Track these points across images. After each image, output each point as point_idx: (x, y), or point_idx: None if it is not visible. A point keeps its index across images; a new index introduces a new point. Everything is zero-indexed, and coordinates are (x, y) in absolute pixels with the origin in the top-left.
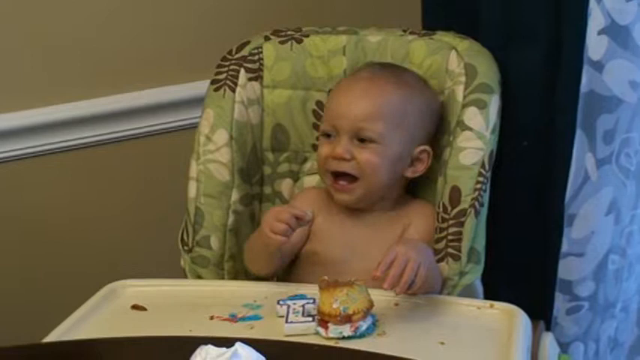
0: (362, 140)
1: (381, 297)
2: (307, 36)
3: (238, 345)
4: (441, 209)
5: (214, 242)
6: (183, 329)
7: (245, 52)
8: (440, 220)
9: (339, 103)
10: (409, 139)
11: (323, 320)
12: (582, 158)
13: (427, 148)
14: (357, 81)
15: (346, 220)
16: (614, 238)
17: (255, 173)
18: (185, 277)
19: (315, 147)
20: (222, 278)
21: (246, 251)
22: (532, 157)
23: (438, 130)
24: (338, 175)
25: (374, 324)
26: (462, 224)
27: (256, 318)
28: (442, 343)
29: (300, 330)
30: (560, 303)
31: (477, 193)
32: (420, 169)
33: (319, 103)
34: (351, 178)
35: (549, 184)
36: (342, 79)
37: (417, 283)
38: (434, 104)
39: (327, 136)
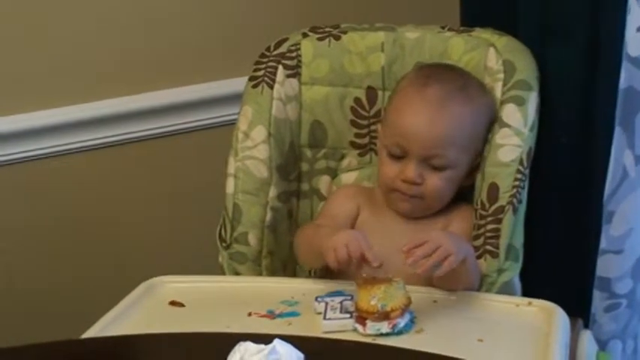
0: (433, 166)
1: (418, 294)
2: (345, 32)
3: (277, 342)
4: (479, 206)
5: (252, 239)
6: (221, 325)
7: (283, 48)
8: (478, 217)
9: (407, 124)
10: (474, 154)
11: (361, 317)
12: (621, 155)
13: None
14: (427, 102)
15: (389, 218)
16: None
17: (292, 170)
18: (223, 273)
19: (352, 144)
20: (260, 274)
21: (298, 243)
22: (570, 154)
23: None
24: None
25: (412, 321)
26: (499, 221)
27: (294, 314)
28: (480, 340)
29: (337, 327)
30: (599, 300)
31: (515, 190)
32: (475, 176)
33: (357, 100)
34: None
35: (588, 182)
36: (405, 87)
37: (442, 268)
38: (493, 111)
39: (393, 153)
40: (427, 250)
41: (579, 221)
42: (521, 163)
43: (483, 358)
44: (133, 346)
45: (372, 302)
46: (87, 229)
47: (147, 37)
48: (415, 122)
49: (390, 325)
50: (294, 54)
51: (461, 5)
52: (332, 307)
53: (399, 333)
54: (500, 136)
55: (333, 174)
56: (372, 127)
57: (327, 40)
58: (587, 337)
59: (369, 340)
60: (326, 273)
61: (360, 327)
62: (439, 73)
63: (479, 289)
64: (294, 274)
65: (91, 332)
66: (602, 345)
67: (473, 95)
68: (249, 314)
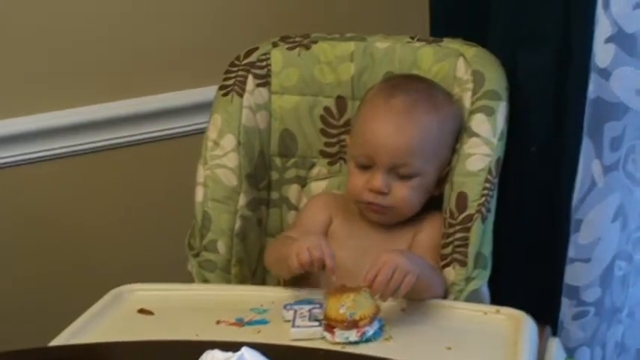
0: (400, 175)
1: (387, 302)
2: (315, 42)
3: (245, 349)
4: (448, 215)
5: (221, 247)
6: (190, 334)
7: (253, 58)
8: (447, 225)
9: (374, 133)
10: (441, 163)
11: (329, 325)
12: (589, 165)
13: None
14: (393, 111)
15: (360, 226)
16: (621, 244)
17: (262, 178)
18: (192, 281)
19: (322, 153)
20: (229, 283)
21: (268, 254)
22: (539, 163)
23: None
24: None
25: (380, 329)
26: (468, 230)
27: (263, 322)
28: (449, 349)
29: (306, 335)
30: (567, 308)
31: (483, 198)
32: (445, 186)
33: (327, 109)
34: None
35: (556, 191)
36: (372, 98)
37: (402, 290)
38: (461, 121)
39: (360, 163)
40: (387, 274)
41: (547, 230)
42: (489, 172)
43: None
44: (101, 355)
45: (341, 311)
46: (55, 236)
47: (120, 47)
48: (381, 131)
49: (359, 334)
50: (264, 63)
51: (430, 15)
52: (301, 315)
53: (368, 341)
54: (469, 146)
55: (303, 183)
56: (342, 137)
57: (297, 49)
58: (555, 345)
59: (337, 348)
60: (295, 281)
61: (328, 335)
62: (406, 83)
63: (447, 298)
64: (263, 282)
65: (59, 340)
66: (571, 352)
67: (439, 104)
68: (218, 322)
